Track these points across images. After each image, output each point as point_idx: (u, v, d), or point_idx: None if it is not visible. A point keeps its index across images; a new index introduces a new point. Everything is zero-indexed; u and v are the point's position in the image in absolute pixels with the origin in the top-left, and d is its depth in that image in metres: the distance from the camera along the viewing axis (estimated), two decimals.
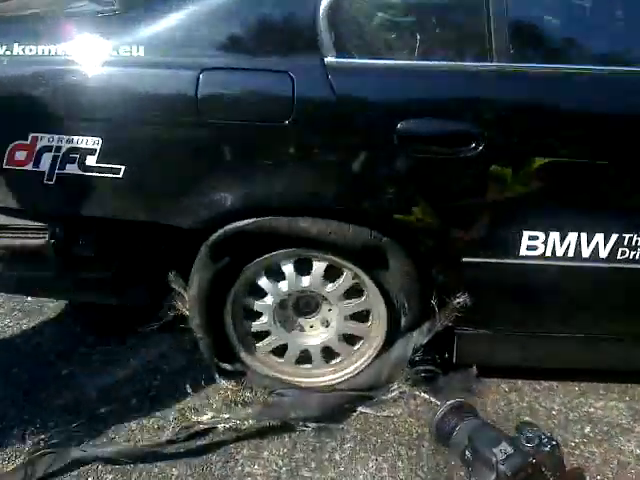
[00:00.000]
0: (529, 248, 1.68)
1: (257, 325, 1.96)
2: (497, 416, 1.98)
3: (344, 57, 1.59)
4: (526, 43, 1.61)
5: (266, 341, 1.99)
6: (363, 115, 1.60)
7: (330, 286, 1.85)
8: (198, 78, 1.58)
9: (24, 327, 2.40)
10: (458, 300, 1.77)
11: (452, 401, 1.75)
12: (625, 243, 1.65)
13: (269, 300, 1.90)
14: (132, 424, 1.90)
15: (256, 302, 1.92)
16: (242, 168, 1.66)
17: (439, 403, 1.95)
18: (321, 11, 1.57)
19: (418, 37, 1.60)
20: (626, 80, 1.60)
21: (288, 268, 1.83)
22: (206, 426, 1.82)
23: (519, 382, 2.12)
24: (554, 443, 1.53)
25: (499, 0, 1.53)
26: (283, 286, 1.87)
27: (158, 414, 1.94)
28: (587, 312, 1.82)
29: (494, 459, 1.48)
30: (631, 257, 1.66)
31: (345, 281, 1.85)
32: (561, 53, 1.67)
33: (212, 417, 1.84)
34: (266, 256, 1.80)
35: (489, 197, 1.64)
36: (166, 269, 1.95)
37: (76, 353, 2.24)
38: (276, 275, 1.86)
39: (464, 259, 1.72)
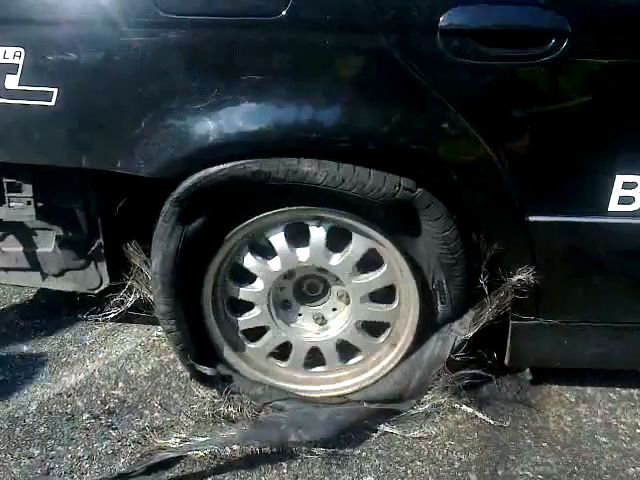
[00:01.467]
0: (623, 201, 1.19)
1: (247, 317, 1.48)
2: (564, 435, 1.49)
3: None
4: None
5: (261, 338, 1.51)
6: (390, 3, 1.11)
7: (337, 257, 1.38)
8: None
9: None
10: (519, 277, 1.29)
11: None
12: None
13: (260, 284, 1.42)
14: (79, 448, 1.42)
15: (242, 289, 1.44)
16: (218, 86, 1.19)
17: (488, 420, 1.48)
18: None
19: None
20: None
21: (279, 238, 1.36)
22: (172, 454, 1.32)
23: (588, 390, 1.63)
24: None
25: None
26: (274, 264, 1.39)
27: (114, 434, 1.46)
28: None
29: None
30: None
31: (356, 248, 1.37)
32: None
33: (182, 441, 1.34)
34: (252, 220, 1.32)
35: (570, 125, 1.16)
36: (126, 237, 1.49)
37: (13, 355, 1.76)
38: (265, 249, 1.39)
39: (530, 218, 1.23)
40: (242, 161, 1.23)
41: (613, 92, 1.13)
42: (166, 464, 1.33)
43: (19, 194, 1.44)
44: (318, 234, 1.36)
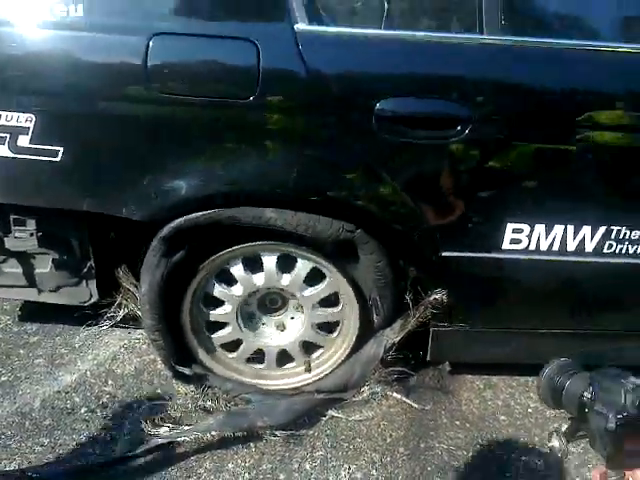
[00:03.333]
0: (513, 242, 1.57)
1: (220, 335, 1.82)
2: (472, 415, 1.89)
3: (317, 24, 1.42)
4: (520, 14, 1.48)
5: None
6: (338, 92, 1.43)
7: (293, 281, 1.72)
8: (147, 45, 1.39)
9: None
10: (435, 296, 1.66)
11: (559, 360, 1.59)
12: (612, 236, 1.55)
13: (231, 302, 1.75)
14: (82, 437, 1.72)
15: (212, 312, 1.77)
16: (199, 151, 1.48)
17: (413, 404, 1.86)
18: None
19: (402, 3, 1.46)
20: (625, 58, 1.48)
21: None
22: (165, 440, 1.65)
23: (494, 379, 2.04)
24: None
25: None
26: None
27: (110, 424, 1.76)
28: (571, 308, 1.73)
29: (623, 389, 1.32)
30: (618, 251, 1.57)
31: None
32: (557, 27, 1.54)
33: (171, 429, 1.67)
34: (226, 251, 1.64)
35: (473, 186, 1.52)
36: (116, 262, 1.78)
37: (16, 357, 2.02)
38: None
39: (443, 253, 1.59)
40: (218, 209, 1.54)
41: (503, 164, 1.48)
42: (158, 448, 1.65)
43: (24, 227, 1.69)
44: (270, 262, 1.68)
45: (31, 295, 1.88)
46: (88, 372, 1.97)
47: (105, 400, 1.86)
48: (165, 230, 1.58)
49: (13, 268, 1.81)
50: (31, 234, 1.69)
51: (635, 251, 1.57)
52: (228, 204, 1.54)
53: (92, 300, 1.86)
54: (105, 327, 1.85)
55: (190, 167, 1.49)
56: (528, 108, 1.46)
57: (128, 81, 1.43)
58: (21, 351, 2.06)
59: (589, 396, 1.40)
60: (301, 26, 1.40)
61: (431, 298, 1.66)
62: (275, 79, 1.42)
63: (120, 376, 1.96)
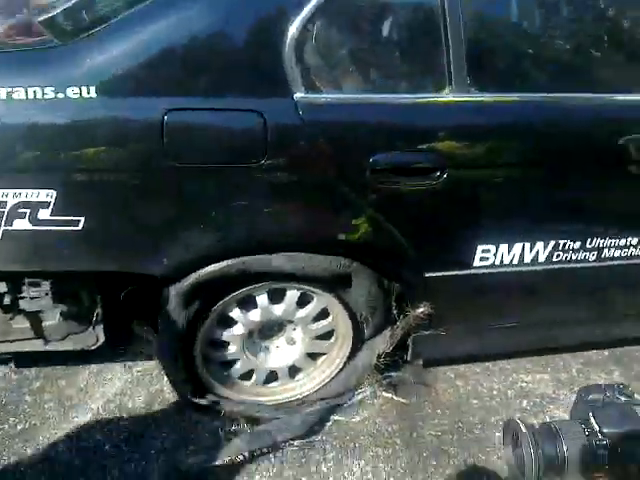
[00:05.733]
0: (482, 260, 1.88)
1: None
2: (450, 402, 2.21)
3: (313, 93, 1.62)
4: (483, 74, 1.74)
5: (235, 367, 2.03)
6: (336, 151, 1.65)
7: (301, 311, 1.95)
8: (163, 120, 1.52)
9: None
10: (421, 310, 1.94)
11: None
12: (560, 247, 1.90)
13: (239, 329, 1.94)
14: (114, 472, 1.86)
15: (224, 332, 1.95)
16: (216, 211, 1.66)
17: (401, 400, 2.15)
18: (286, 47, 1.56)
19: (382, 70, 1.72)
20: (565, 104, 1.79)
21: (262, 299, 1.89)
22: (196, 467, 1.84)
23: (461, 367, 2.37)
24: None
25: (456, 34, 1.64)
26: (256, 314, 1.91)
27: (137, 457, 1.92)
28: (523, 305, 2.09)
29: None
30: (564, 259, 1.92)
31: (315, 307, 1.95)
32: (516, 82, 1.83)
33: (203, 456, 1.86)
34: (239, 291, 1.83)
35: (449, 219, 1.82)
36: (126, 311, 1.91)
37: (25, 404, 2.11)
38: (247, 306, 1.91)
39: (426, 274, 1.87)
40: (230, 261, 1.73)
41: (472, 200, 1.78)
42: (190, 475, 1.84)
43: (38, 288, 1.79)
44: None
45: (38, 346, 1.95)
46: (101, 409, 2.09)
47: (125, 435, 1.99)
48: (184, 285, 1.74)
49: (21, 324, 1.88)
50: (46, 293, 1.79)
51: (577, 258, 1.93)
52: (240, 254, 1.73)
53: (99, 343, 1.97)
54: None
55: (207, 225, 1.66)
56: (487, 156, 1.75)
57: (147, 154, 1.57)
58: (27, 398, 2.14)
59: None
60: (299, 95, 1.60)
61: (417, 311, 1.94)
62: (281, 143, 1.61)
63: (133, 409, 2.10)
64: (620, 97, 1.85)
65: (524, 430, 0.93)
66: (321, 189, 1.69)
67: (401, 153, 1.69)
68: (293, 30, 1.55)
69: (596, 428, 0.93)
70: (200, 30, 1.55)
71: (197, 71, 1.57)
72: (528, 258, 1.90)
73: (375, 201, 1.72)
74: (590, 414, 0.95)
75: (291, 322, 2.00)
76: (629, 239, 1.95)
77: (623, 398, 0.98)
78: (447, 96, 1.68)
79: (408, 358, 2.16)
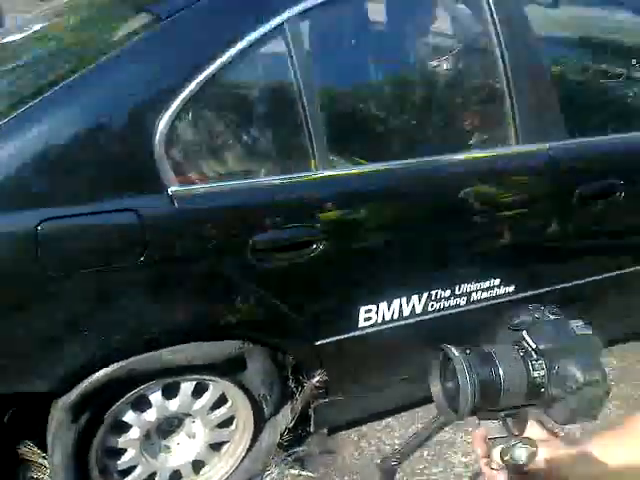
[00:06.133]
0: (365, 320, 1.97)
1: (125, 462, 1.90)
2: (356, 466, 2.24)
3: (187, 185, 1.66)
4: (342, 151, 1.89)
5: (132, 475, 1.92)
6: (215, 237, 1.68)
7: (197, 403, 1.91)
8: (37, 230, 1.48)
9: None
10: (317, 379, 1.98)
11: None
12: (433, 297, 2.05)
13: (135, 433, 1.85)
14: None
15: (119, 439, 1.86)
16: (97, 316, 1.63)
17: (309, 474, 2.14)
18: (157, 143, 1.60)
19: (251, 156, 1.81)
20: (416, 167, 1.95)
21: (156, 396, 1.83)
22: None
23: (363, 428, 2.42)
24: None
25: (313, 112, 1.76)
26: (151, 414, 1.84)
27: None
28: (409, 358, 2.19)
29: None
30: (438, 307, 2.08)
31: (212, 395, 1.92)
32: (376, 154, 1.98)
33: None
34: (131, 393, 1.76)
35: (332, 286, 1.91)
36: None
37: None
38: (142, 406, 1.83)
39: (317, 343, 1.93)
40: (117, 364, 1.68)
41: (346, 267, 1.89)
42: None
43: None
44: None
45: None
46: None
47: None
48: (72, 397, 1.66)
49: None
50: None
51: (449, 305, 2.10)
52: (127, 356, 1.68)
53: None
54: None
55: (90, 331, 1.62)
56: (355, 224, 1.87)
57: (21, 267, 1.53)
58: None
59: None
60: (174, 188, 1.64)
61: (313, 381, 1.98)
62: (159, 237, 1.63)
63: None
64: (454, 156, 2.03)
65: (457, 354, 0.81)
66: (204, 277, 1.72)
67: (279, 230, 1.75)
68: (162, 126, 1.59)
69: (532, 346, 0.86)
70: (70, 136, 1.55)
71: (69, 178, 1.57)
72: (407, 311, 2.03)
73: (258, 280, 1.77)
74: (524, 333, 0.88)
75: (189, 415, 1.95)
76: (492, 281, 2.14)
77: (552, 316, 0.90)
78: (313, 173, 1.80)
79: (311, 429, 2.17)
